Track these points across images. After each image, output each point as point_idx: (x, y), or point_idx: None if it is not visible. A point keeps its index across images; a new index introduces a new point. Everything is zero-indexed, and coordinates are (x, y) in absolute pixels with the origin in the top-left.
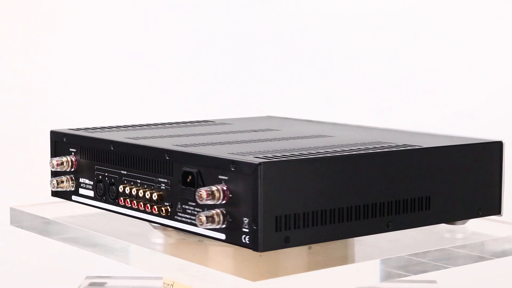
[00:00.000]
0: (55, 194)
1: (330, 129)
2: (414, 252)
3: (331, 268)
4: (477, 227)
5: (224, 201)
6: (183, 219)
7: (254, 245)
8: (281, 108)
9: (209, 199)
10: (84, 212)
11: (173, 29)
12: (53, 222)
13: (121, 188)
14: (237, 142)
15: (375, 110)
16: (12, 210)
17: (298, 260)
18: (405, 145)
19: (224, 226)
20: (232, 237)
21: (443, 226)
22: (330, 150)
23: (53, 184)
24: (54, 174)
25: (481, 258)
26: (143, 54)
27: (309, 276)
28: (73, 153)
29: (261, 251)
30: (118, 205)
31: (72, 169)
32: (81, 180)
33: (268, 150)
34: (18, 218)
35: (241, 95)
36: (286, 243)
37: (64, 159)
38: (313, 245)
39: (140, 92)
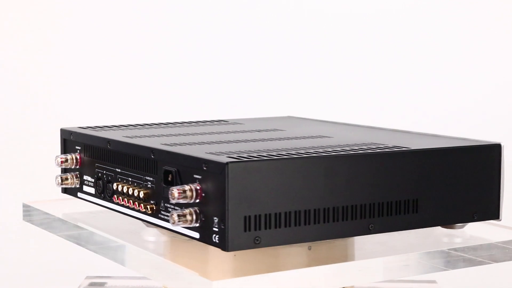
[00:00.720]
0: (64, 191)
1: (337, 130)
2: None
3: (331, 267)
4: (476, 232)
5: (197, 200)
6: (165, 217)
7: (223, 245)
8: (312, 109)
9: (181, 198)
10: (87, 210)
11: (197, 30)
12: (51, 219)
13: (115, 186)
14: (229, 141)
15: (400, 111)
16: (24, 205)
17: (298, 260)
18: (391, 147)
19: (197, 225)
20: (205, 236)
21: (441, 230)
22: (311, 151)
23: (57, 181)
24: (64, 171)
25: (476, 263)
26: (165, 53)
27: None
28: (78, 151)
29: (228, 251)
30: (113, 202)
31: (77, 167)
32: (85, 177)
33: (250, 150)
34: (28, 213)
35: (271, 96)
36: (256, 243)
37: (68, 156)
38: (313, 245)
39: (167, 92)
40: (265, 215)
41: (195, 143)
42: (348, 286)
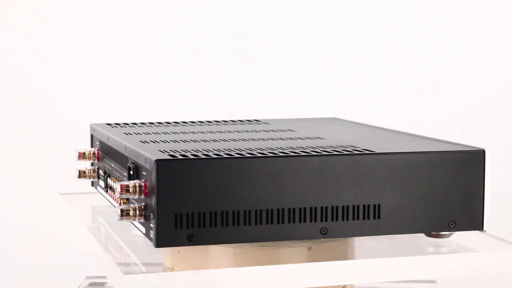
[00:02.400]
0: (92, 184)
1: (345, 132)
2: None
3: (331, 266)
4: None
5: (141, 196)
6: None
7: (155, 241)
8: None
9: (124, 194)
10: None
11: (234, 31)
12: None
13: (109, 181)
14: (214, 140)
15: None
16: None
17: (298, 260)
18: (350, 150)
19: (142, 220)
20: (146, 231)
21: (426, 238)
22: (256, 152)
23: (76, 174)
24: (92, 165)
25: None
26: (199, 53)
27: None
28: (97, 146)
29: (158, 247)
30: (110, 197)
31: (96, 161)
32: (100, 172)
33: (208, 149)
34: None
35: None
36: (189, 241)
37: (86, 150)
38: (313, 245)
39: (211, 92)
40: (199, 213)
41: (173, 142)
42: (348, 286)
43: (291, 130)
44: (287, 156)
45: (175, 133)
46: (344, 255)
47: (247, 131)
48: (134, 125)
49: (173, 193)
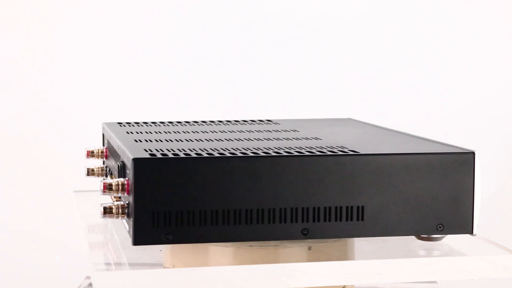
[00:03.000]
0: None
1: (347, 133)
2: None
3: (331, 265)
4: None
5: (125, 194)
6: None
7: (132, 239)
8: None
9: (107, 191)
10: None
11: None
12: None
13: (108, 178)
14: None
15: None
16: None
17: (298, 259)
18: (334, 151)
19: (125, 218)
20: (128, 229)
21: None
22: (238, 152)
23: (85, 172)
24: (104, 163)
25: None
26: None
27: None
28: (106, 144)
29: (134, 245)
30: None
31: (104, 159)
32: (108, 170)
33: (194, 149)
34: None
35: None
36: (167, 239)
37: (95, 149)
38: (313, 245)
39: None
40: (177, 212)
41: (167, 141)
42: (348, 286)
43: (294, 131)
44: (266, 156)
45: (177, 132)
46: (344, 256)
47: (250, 131)
48: (143, 125)
49: (150, 192)
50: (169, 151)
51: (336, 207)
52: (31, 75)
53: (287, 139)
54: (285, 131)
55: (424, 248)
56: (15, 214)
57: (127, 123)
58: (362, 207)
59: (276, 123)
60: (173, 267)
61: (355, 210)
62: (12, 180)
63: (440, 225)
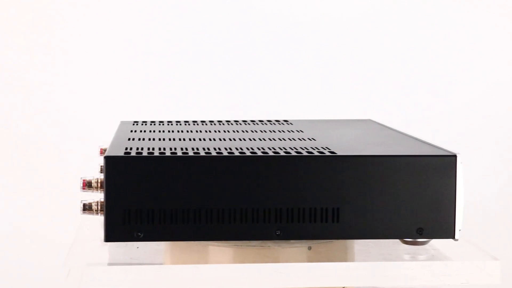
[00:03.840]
0: None
1: (349, 135)
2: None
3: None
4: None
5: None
6: None
7: (104, 235)
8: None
9: (86, 188)
10: None
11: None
12: None
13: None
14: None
15: None
16: None
17: (298, 259)
18: (310, 152)
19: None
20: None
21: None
22: (220, 151)
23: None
24: None
25: None
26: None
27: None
28: None
29: (106, 241)
30: None
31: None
32: None
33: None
34: None
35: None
36: (138, 237)
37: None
38: (313, 246)
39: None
40: (148, 210)
41: (160, 140)
42: (348, 287)
43: (300, 131)
44: (239, 156)
45: (180, 131)
46: (344, 257)
47: (253, 131)
48: (158, 123)
49: (121, 189)
50: (150, 150)
51: (310, 208)
52: (31, 75)
53: (283, 139)
54: (290, 131)
55: (408, 252)
56: (15, 213)
57: (143, 122)
58: (338, 208)
59: (289, 124)
60: None
61: (330, 212)
62: (12, 180)
63: (420, 229)
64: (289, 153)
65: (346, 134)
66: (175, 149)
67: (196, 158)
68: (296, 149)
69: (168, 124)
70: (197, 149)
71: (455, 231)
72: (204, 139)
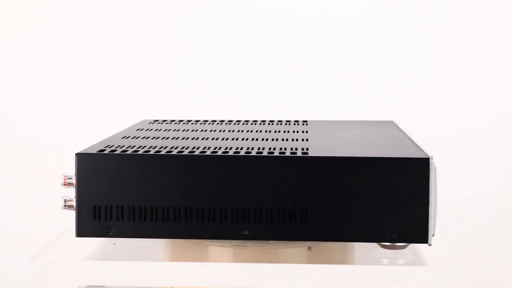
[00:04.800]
0: None
1: (348, 136)
2: None
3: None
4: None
5: None
6: None
7: (76, 230)
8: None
9: (67, 184)
10: None
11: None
12: None
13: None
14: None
15: None
16: None
17: (298, 259)
18: (281, 152)
19: None
20: None
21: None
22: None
23: None
24: None
25: None
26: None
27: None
28: None
29: (78, 236)
30: None
31: None
32: None
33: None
34: None
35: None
36: (107, 233)
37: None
38: (313, 246)
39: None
40: (118, 207)
41: (153, 138)
42: None
43: (305, 132)
44: (207, 155)
45: (190, 130)
46: (344, 257)
47: (259, 131)
48: (178, 122)
49: (91, 186)
50: (128, 148)
51: (278, 209)
52: (31, 75)
53: (276, 139)
54: (295, 132)
55: (387, 257)
56: (14, 213)
57: (164, 120)
58: (306, 210)
59: (305, 124)
60: None
61: (298, 213)
62: (13, 180)
63: (392, 233)
64: (261, 153)
65: (348, 136)
66: (161, 147)
67: (163, 156)
68: (271, 150)
69: (185, 123)
70: (175, 148)
71: (428, 236)
72: (206, 138)
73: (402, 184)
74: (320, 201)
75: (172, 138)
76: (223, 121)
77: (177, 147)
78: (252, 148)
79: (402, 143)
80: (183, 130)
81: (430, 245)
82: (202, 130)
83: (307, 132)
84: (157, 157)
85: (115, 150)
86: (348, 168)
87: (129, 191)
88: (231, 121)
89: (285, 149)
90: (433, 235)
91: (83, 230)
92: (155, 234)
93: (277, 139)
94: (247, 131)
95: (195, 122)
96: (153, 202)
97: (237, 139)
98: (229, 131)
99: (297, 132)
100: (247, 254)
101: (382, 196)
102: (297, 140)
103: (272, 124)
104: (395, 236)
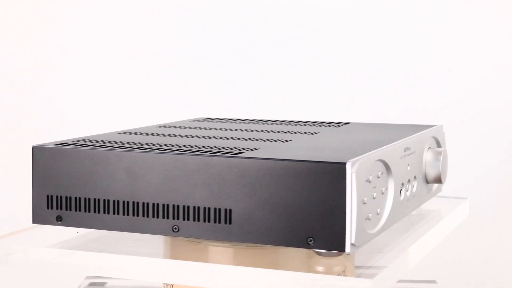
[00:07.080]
0: None
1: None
2: None
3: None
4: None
5: None
6: None
7: (32, 217)
8: None
9: None
10: None
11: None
12: None
13: None
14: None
15: None
16: None
17: (297, 260)
18: (215, 152)
19: None
20: None
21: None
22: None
23: None
24: None
25: None
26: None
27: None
28: None
29: (34, 223)
30: None
31: None
32: None
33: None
34: None
35: None
36: (58, 221)
37: None
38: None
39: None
40: (66, 197)
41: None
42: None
43: (314, 133)
44: (141, 152)
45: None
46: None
47: (265, 131)
48: (226, 121)
49: (44, 177)
50: (95, 143)
51: (205, 208)
52: (31, 75)
53: (264, 140)
54: (305, 133)
55: (322, 264)
56: (14, 212)
57: (213, 118)
58: (230, 210)
59: (338, 126)
60: None
61: (223, 213)
62: (13, 180)
63: (311, 239)
64: (194, 152)
65: (349, 139)
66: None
67: (106, 151)
68: (220, 148)
69: (227, 122)
70: (143, 145)
71: (345, 244)
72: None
73: (319, 189)
74: (242, 201)
75: (177, 136)
76: (268, 120)
77: (134, 144)
78: (206, 148)
79: (348, 147)
80: (204, 129)
81: (348, 254)
82: (208, 130)
83: (318, 133)
84: (103, 152)
85: (69, 145)
86: (266, 169)
87: (75, 182)
88: (268, 120)
89: (232, 149)
90: (352, 244)
91: (38, 218)
92: (98, 225)
93: (264, 140)
94: (246, 130)
95: (242, 120)
96: (95, 194)
97: (229, 138)
98: (232, 130)
99: (304, 133)
100: (247, 254)
101: (299, 200)
102: (276, 140)
103: (303, 124)
104: (314, 242)
